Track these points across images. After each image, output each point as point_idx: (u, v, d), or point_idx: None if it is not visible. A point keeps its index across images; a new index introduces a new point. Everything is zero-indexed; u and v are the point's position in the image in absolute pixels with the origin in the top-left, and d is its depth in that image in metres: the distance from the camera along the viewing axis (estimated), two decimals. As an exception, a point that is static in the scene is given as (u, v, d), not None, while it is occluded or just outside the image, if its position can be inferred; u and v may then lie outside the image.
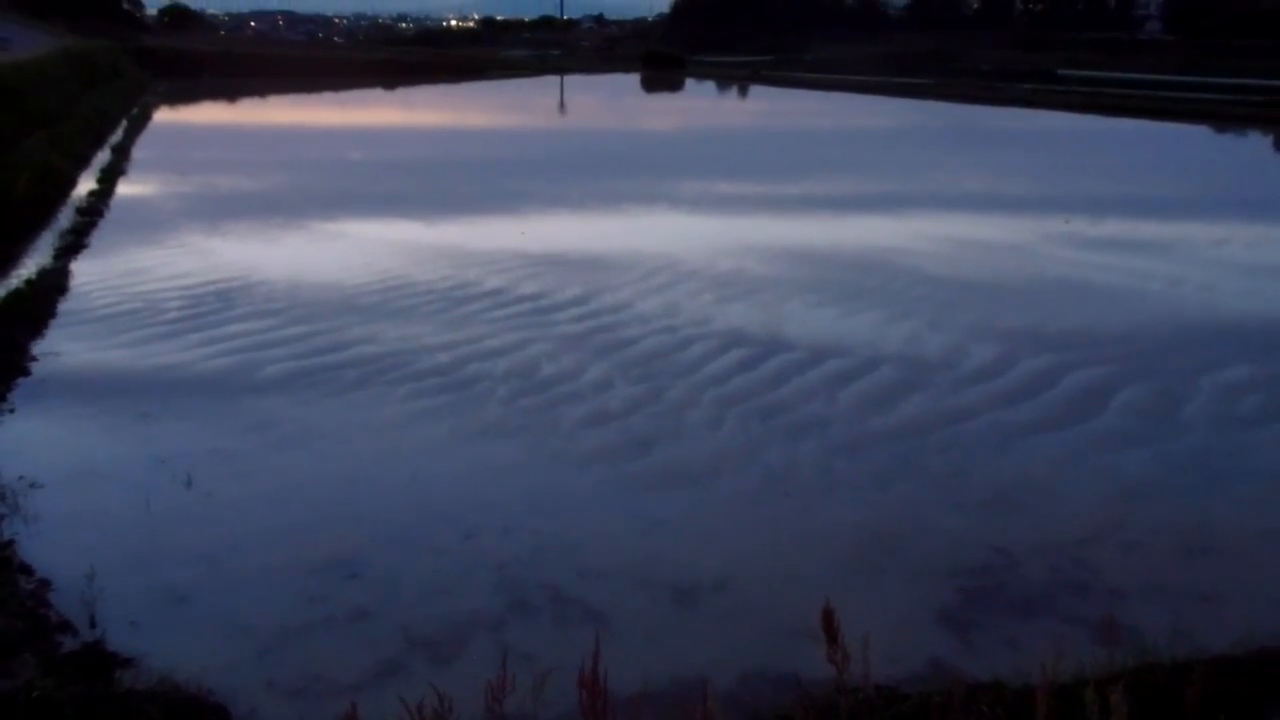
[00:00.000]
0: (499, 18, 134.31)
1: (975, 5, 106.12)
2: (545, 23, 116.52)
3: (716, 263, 12.62)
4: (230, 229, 14.23)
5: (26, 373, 8.15)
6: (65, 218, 14.14)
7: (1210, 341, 9.81)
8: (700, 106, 44.04)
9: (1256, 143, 29.48)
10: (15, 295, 9.86)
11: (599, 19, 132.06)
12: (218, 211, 15.42)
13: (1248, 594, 5.25)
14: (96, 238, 13.20)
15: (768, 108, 41.65)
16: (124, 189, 17.05)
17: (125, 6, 79.68)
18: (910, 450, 7.09)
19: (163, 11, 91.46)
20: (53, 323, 9.48)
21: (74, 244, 12.56)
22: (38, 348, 8.74)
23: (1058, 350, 9.36)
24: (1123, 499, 6.40)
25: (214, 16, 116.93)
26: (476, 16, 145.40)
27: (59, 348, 8.81)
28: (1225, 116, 32.98)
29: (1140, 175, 22.30)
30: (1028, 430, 7.52)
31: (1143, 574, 5.46)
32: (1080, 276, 12.34)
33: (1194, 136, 30.00)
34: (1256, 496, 6.51)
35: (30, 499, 5.99)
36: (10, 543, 5.44)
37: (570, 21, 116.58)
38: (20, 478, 6.21)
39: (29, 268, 11.28)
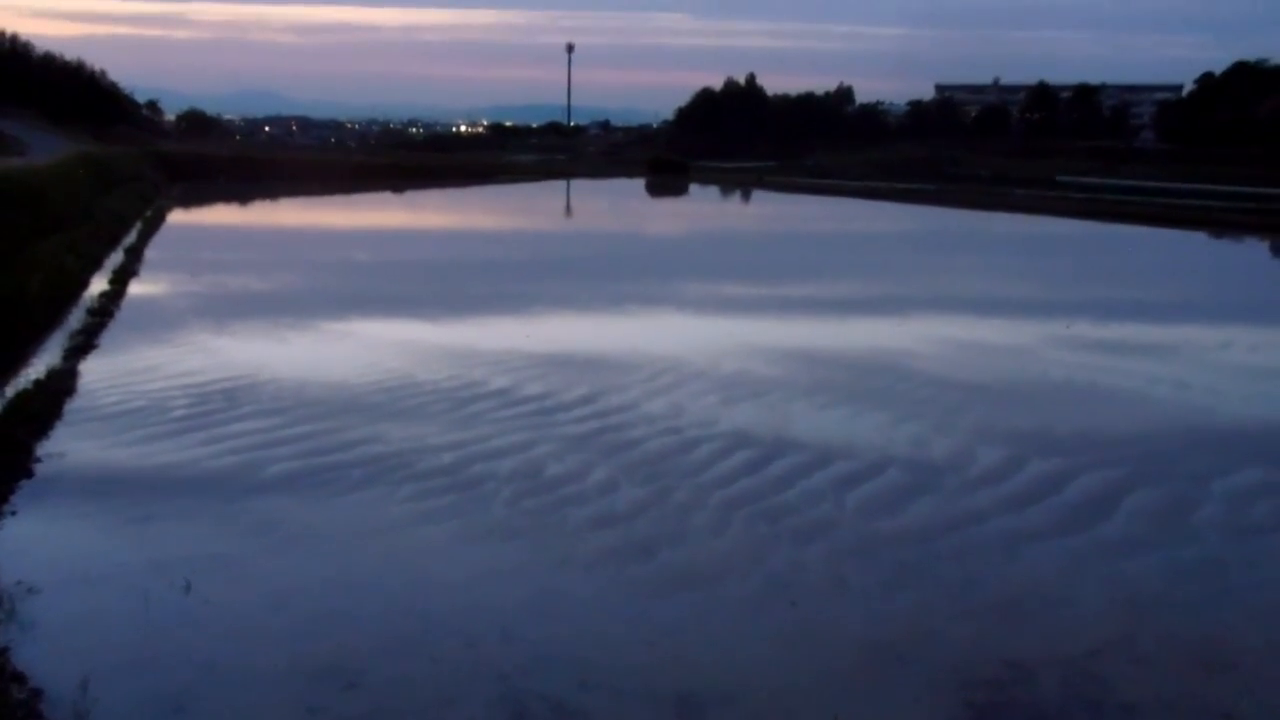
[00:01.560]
0: (507, 123, 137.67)
1: (973, 114, 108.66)
2: (552, 128, 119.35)
3: (722, 364, 12.66)
4: (238, 328, 14.34)
5: (30, 474, 8.12)
6: (76, 318, 14.27)
7: (1219, 446, 9.77)
8: (704, 211, 44.77)
9: (1253, 248, 29.82)
10: (22, 396, 9.89)
11: (605, 125, 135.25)
12: (226, 311, 15.56)
13: (1266, 712, 5.12)
14: (106, 338, 13.30)
15: (771, 212, 42.33)
16: (135, 289, 17.25)
17: (145, 113, 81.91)
18: (918, 556, 6.99)
19: (180, 118, 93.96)
20: (58, 423, 9.49)
21: (83, 344, 12.65)
22: (43, 448, 8.73)
23: (1065, 454, 9.31)
24: (1134, 609, 6.28)
25: (230, 122, 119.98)
26: (485, 122, 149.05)
27: (64, 448, 8.80)
28: (1221, 223, 33.43)
29: (1141, 279, 22.51)
30: (1037, 536, 7.43)
31: (1157, 689, 5.33)
32: (1086, 379, 12.35)
33: (1191, 242, 30.37)
34: (1272, 608, 6.39)
35: (27, 604, 5.91)
36: (4, 650, 5.35)
37: (577, 127, 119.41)
38: (18, 582, 6.14)
39: (38, 368, 11.33)
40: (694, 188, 55.05)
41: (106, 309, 14.93)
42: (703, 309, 17.06)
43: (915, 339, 14.53)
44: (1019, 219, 36.54)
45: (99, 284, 17.09)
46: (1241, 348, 14.80)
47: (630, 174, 63.32)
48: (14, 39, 63.95)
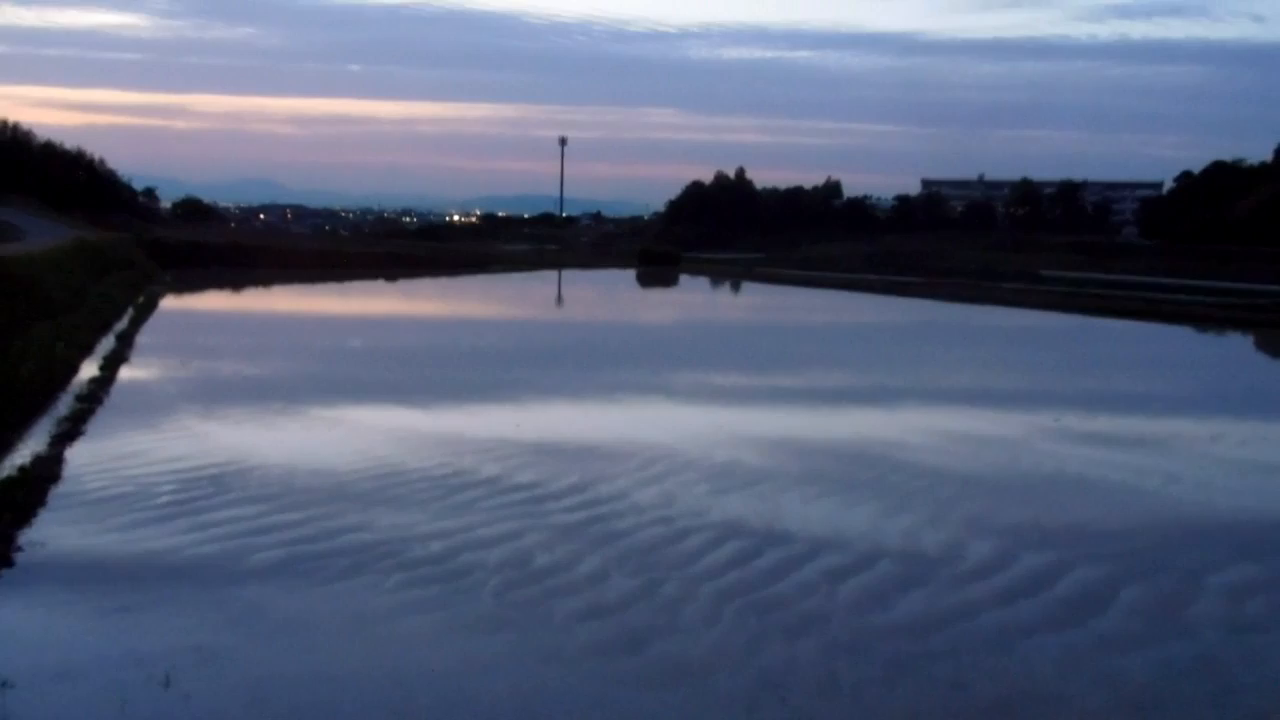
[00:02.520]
0: (500, 214, 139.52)
1: (959, 209, 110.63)
2: (545, 219, 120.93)
3: (712, 453, 12.63)
4: (227, 414, 14.29)
5: (10, 563, 7.99)
6: (65, 404, 14.20)
7: (1211, 540, 9.73)
8: (694, 301, 45.16)
9: (1237, 343, 30.13)
10: (6, 484, 9.79)
11: (596, 216, 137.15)
12: (216, 396, 15.53)
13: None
14: (94, 423, 13.23)
15: (761, 302, 42.73)
16: (126, 374, 17.23)
17: (142, 200, 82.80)
18: (911, 651, 6.89)
19: (177, 205, 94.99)
20: (42, 511, 9.37)
21: (71, 430, 12.57)
22: (25, 537, 8.60)
23: (1058, 547, 9.26)
24: (1130, 710, 6.18)
25: (226, 210, 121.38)
26: (479, 212, 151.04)
27: (46, 536, 8.68)
28: (1205, 318, 33.83)
29: (1128, 372, 22.68)
30: (1030, 630, 7.35)
31: (1160, 788, 5.21)
32: (1076, 472, 12.35)
33: (1176, 336, 30.69)
34: (1269, 710, 6.29)
35: (1, 699, 5.76)
36: (-25, 742, 5.20)
37: (569, 218, 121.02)
38: (-7, 672, 6.00)
39: (24, 455, 11.23)
40: (684, 278, 55.61)
41: (96, 395, 14.88)
42: (693, 398, 17.09)
43: (906, 430, 14.55)
44: (1005, 312, 36.93)
45: (90, 369, 17.06)
46: (1231, 441, 14.84)
47: (621, 264, 63.99)
48: (15, 128, 64.98)
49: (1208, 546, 9.49)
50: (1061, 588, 8.25)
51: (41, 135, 68.05)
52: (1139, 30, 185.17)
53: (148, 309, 27.91)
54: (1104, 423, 15.72)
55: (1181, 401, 18.52)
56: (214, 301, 36.77)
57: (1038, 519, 10.19)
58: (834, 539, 9.30)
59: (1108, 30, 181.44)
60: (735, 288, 50.38)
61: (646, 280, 53.94)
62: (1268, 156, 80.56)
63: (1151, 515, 10.63)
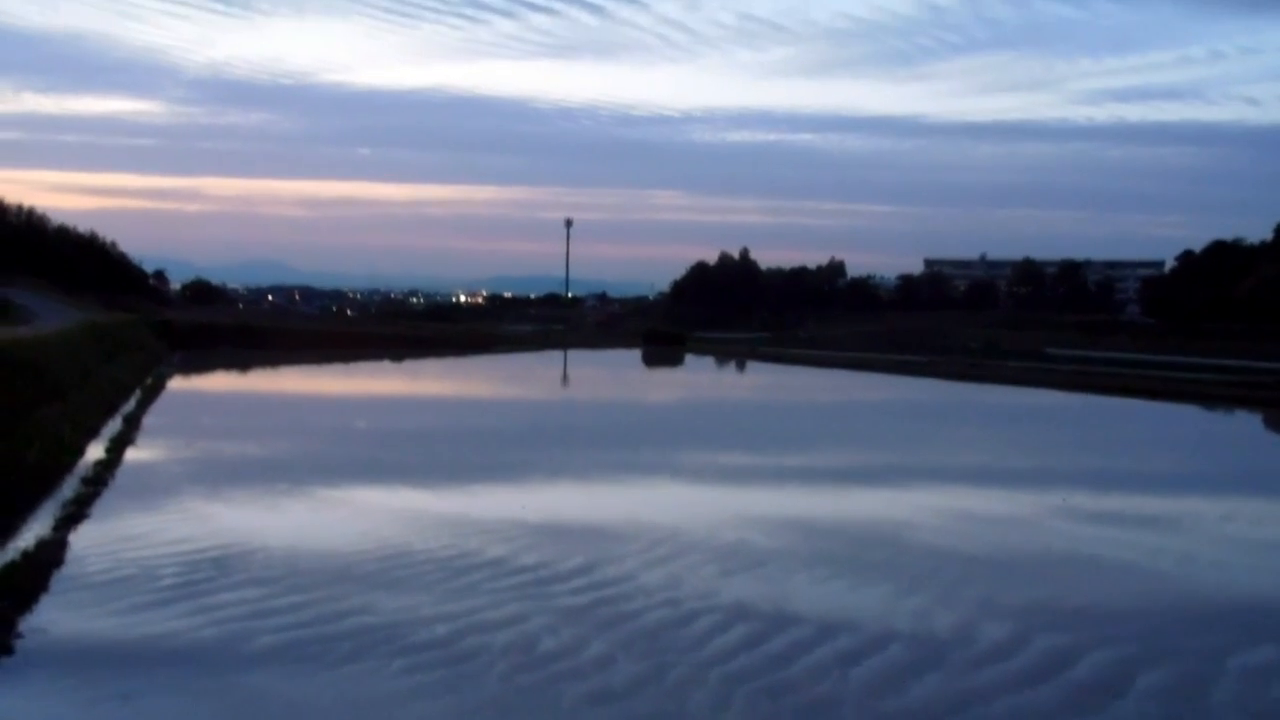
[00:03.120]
0: (507, 294, 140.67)
1: (962, 289, 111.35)
2: (551, 299, 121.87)
3: (720, 534, 12.52)
4: (232, 495, 14.23)
5: (10, 651, 7.87)
6: (70, 487, 14.14)
7: (1229, 621, 9.56)
8: (700, 380, 45.23)
9: (1246, 421, 30.01)
10: (9, 569, 9.70)
11: (602, 296, 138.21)
12: (221, 477, 15.48)
13: None
14: (98, 506, 13.15)
15: (766, 382, 42.76)
16: (132, 455, 17.20)
17: (152, 282, 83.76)
18: (927, 737, 6.74)
19: (186, 287, 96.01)
20: (44, 596, 9.26)
21: (75, 514, 12.49)
22: (26, 623, 8.49)
23: (1073, 629, 9.10)
24: (1157, 794, 6.01)
25: (234, 291, 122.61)
26: (485, 293, 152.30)
27: (47, 621, 8.58)
28: (1212, 396, 33.75)
29: (1137, 451, 22.55)
30: (1047, 716, 7.19)
31: None
32: (1089, 552, 12.20)
33: (1184, 415, 30.59)
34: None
35: (-4, 784, 5.64)
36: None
37: (575, 299, 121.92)
38: (-12, 761, 5.88)
39: (27, 539, 11.15)
40: (689, 358, 55.77)
41: (101, 477, 14.84)
42: (700, 478, 17.00)
43: (914, 509, 14.43)
44: (1011, 391, 36.88)
45: (96, 451, 17.04)
46: (1244, 520, 14.69)
47: (627, 344, 64.26)
48: (31, 212, 66.06)
49: (1225, 628, 9.33)
50: (1078, 671, 8.09)
51: (56, 219, 69.26)
52: (1135, 113, 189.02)
53: (155, 390, 27.99)
54: (1115, 502, 15.59)
55: (1192, 480, 18.37)
56: (221, 382, 36.90)
57: (1050, 600, 10.04)
58: (844, 621, 9.16)
59: (1105, 113, 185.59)
60: (740, 367, 50.48)
61: (652, 360, 54.09)
62: (1267, 236, 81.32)
63: (1166, 596, 10.47)
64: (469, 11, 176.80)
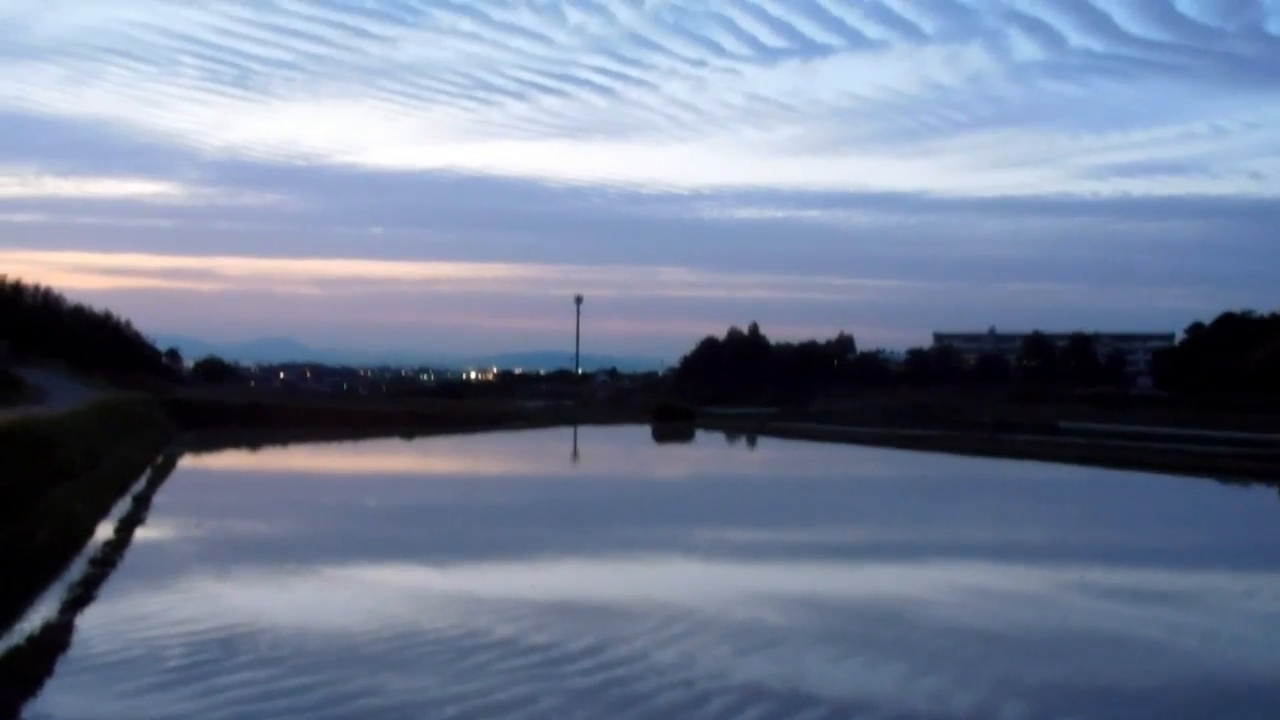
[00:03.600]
0: (517, 371, 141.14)
1: (972, 362, 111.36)
2: (561, 376, 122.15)
3: (732, 611, 12.36)
4: (240, 574, 14.14)
5: (13, 735, 7.79)
6: (79, 568, 14.06)
7: (1257, 701, 9.35)
8: (710, 456, 45.05)
9: (1262, 495, 29.68)
10: (14, 654, 9.61)
11: (612, 372, 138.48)
12: (230, 557, 15.39)
13: None
14: (106, 588, 13.06)
15: (777, 457, 42.57)
16: (141, 534, 17.14)
17: (165, 361, 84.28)
18: (948, 822, 6.56)
19: (198, 365, 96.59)
20: (49, 680, 9.15)
21: (82, 595, 12.40)
22: (29, 709, 8.38)
23: (1093, 709, 8.91)
24: None
25: (246, 369, 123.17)
26: (495, 370, 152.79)
27: (51, 707, 8.47)
28: (1227, 470, 33.44)
29: (1154, 525, 22.29)
30: (1072, 800, 7.00)
31: None
32: (1108, 629, 11.99)
33: (1199, 488, 30.29)
34: None
35: None
36: None
37: (585, 375, 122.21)
38: None
39: (34, 622, 11.07)
40: (699, 434, 55.62)
41: (109, 558, 14.75)
42: (711, 555, 16.84)
43: (929, 586, 14.24)
44: (1024, 465, 36.61)
45: (106, 531, 16.99)
46: (1266, 596, 14.45)
47: (637, 420, 64.17)
48: (47, 292, 66.85)
49: (1249, 708, 9.13)
50: (1101, 753, 7.90)
51: (72, 299, 70.01)
52: (1140, 188, 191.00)
53: (166, 469, 28.00)
54: (1133, 577, 15.37)
55: (1211, 555, 18.12)
56: (231, 461, 36.89)
57: (1070, 679, 9.84)
58: (860, 701, 8.99)
59: (1109, 188, 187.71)
60: (751, 443, 50.30)
61: (662, 436, 53.96)
62: (1277, 307, 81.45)
63: (1188, 674, 10.26)
64: (481, 94, 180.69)
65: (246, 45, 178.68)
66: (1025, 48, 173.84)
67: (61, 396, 35.15)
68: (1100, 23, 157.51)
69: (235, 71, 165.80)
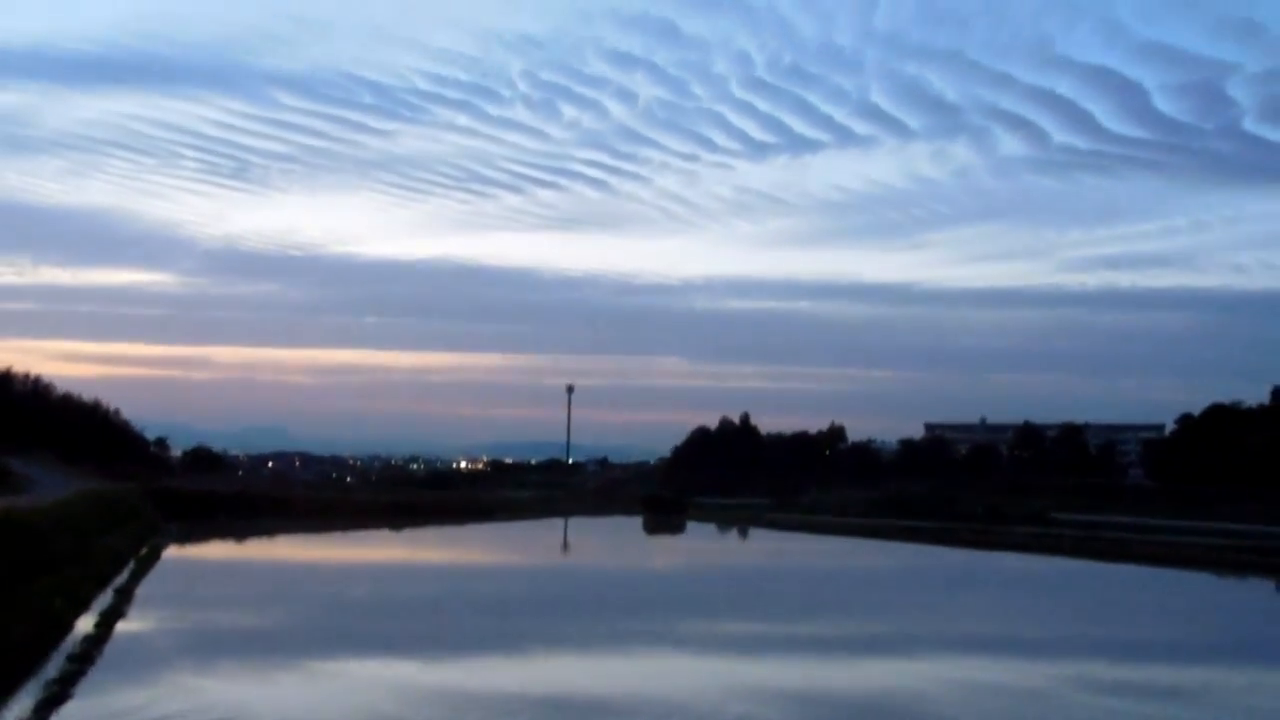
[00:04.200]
0: (507, 460, 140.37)
1: (963, 452, 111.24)
2: (552, 465, 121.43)
3: (726, 708, 12.07)
4: (223, 668, 13.81)
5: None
6: (56, 665, 13.71)
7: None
8: (702, 548, 44.59)
9: (1258, 588, 29.43)
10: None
11: (603, 462, 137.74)
12: (212, 650, 15.05)
13: None
14: (84, 684, 12.70)
15: (769, 548, 42.15)
16: (123, 628, 16.77)
17: (153, 450, 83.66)
18: None
19: (186, 454, 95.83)
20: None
21: (59, 694, 12.04)
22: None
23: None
24: None
25: (235, 457, 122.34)
26: (485, 459, 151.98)
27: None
28: (1222, 562, 33.18)
29: (1153, 620, 22.01)
30: None
31: None
32: (1109, 726, 11.74)
33: (1196, 582, 30.02)
34: None
35: None
36: None
37: (576, 464, 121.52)
38: None
39: None
40: (691, 525, 55.14)
41: (89, 654, 14.38)
42: (704, 649, 16.52)
43: (926, 680, 13.97)
44: (1019, 558, 36.30)
45: (86, 624, 16.63)
46: (1269, 691, 14.21)
47: (628, 511, 63.64)
48: (37, 380, 66.65)
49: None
50: None
51: (62, 387, 69.76)
52: (1126, 280, 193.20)
53: (151, 560, 27.56)
54: (1134, 673, 15.11)
55: (1211, 650, 17.86)
56: (217, 551, 36.37)
57: (1075, 779, 9.60)
58: (860, 803, 8.73)
59: (1096, 280, 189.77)
60: (743, 534, 49.84)
61: (653, 527, 53.48)
62: (1264, 398, 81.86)
63: (1195, 774, 10.02)
64: (476, 186, 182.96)
65: (246, 139, 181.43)
66: (1010, 144, 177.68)
67: (47, 486, 34.82)
68: (1082, 120, 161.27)
69: (234, 164, 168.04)
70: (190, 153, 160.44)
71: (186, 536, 37.76)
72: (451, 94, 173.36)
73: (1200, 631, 20.10)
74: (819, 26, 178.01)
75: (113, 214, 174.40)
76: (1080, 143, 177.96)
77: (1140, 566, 32.68)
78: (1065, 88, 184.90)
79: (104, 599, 19.87)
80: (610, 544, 44.00)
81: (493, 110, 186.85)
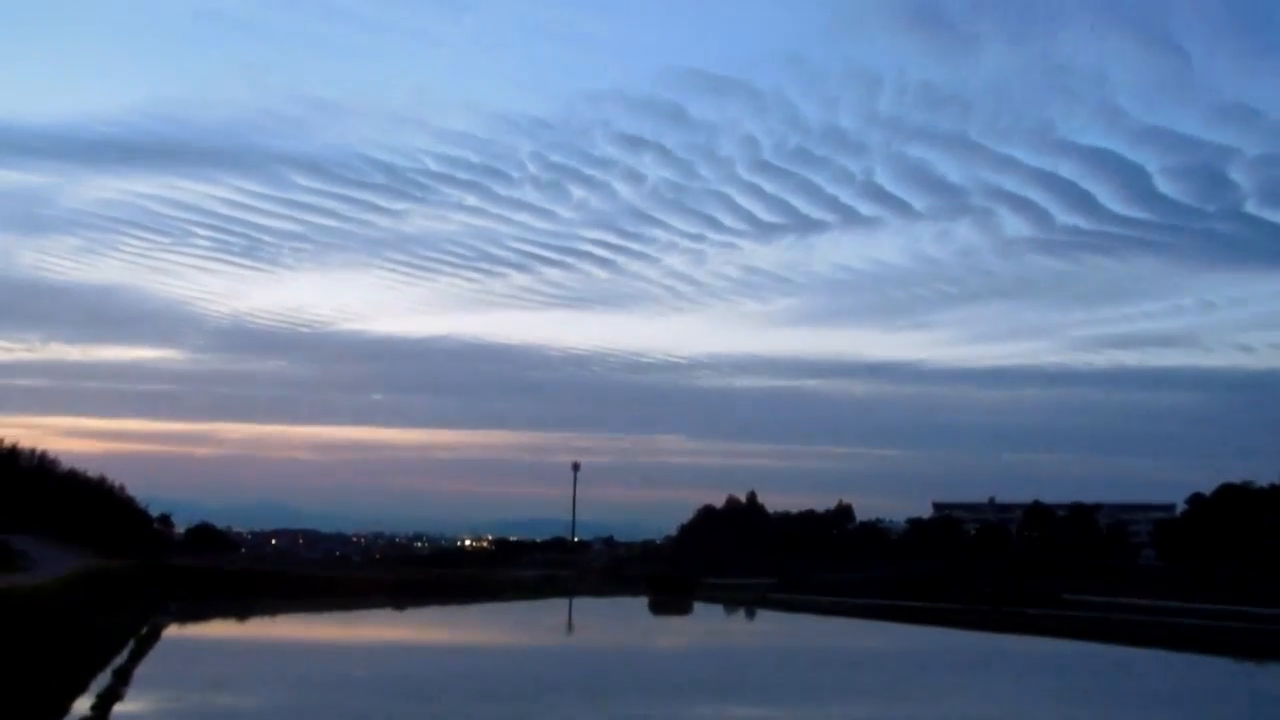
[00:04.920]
0: (512, 538, 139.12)
1: (972, 532, 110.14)
2: (557, 544, 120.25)
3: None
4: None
5: None
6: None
7: None
8: (710, 629, 43.94)
9: (1278, 673, 28.82)
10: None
11: (609, 540, 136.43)
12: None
13: None
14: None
15: (778, 629, 41.52)
16: (120, 708, 16.49)
17: (156, 526, 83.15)
18: None
19: (190, 530, 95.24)
20: None
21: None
22: None
23: None
24: None
25: (239, 534, 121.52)
26: (490, 537, 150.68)
27: None
28: (1241, 647, 32.51)
29: (1175, 710, 21.53)
30: None
31: None
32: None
33: (1216, 668, 29.40)
34: None
35: None
36: None
37: (581, 543, 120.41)
38: None
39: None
40: (698, 605, 54.42)
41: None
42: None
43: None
44: (1034, 641, 35.64)
45: (83, 705, 16.39)
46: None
47: (634, 591, 62.87)
48: (42, 456, 66.59)
49: None
50: None
51: (69, 462, 69.58)
52: (1133, 359, 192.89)
53: (151, 639, 27.23)
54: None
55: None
56: (219, 630, 35.94)
57: None
58: None
59: (1104, 359, 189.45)
60: (750, 615, 49.14)
61: (659, 608, 52.79)
62: (1276, 478, 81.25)
63: None
64: (484, 265, 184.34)
65: (258, 217, 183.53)
66: (1014, 224, 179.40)
67: (48, 564, 34.56)
68: (1085, 202, 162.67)
69: (246, 242, 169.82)
70: (203, 231, 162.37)
71: (188, 615, 37.36)
72: (461, 174, 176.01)
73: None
74: (824, 110, 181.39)
75: (124, 291, 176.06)
76: (1084, 223, 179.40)
77: (1157, 650, 32.07)
78: (1068, 170, 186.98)
79: (102, 679, 19.60)
80: (616, 626, 43.39)
81: (502, 190, 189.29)
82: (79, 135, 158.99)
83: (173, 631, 31.39)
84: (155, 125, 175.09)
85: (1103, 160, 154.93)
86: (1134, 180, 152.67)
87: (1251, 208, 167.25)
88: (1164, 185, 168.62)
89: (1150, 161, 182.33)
